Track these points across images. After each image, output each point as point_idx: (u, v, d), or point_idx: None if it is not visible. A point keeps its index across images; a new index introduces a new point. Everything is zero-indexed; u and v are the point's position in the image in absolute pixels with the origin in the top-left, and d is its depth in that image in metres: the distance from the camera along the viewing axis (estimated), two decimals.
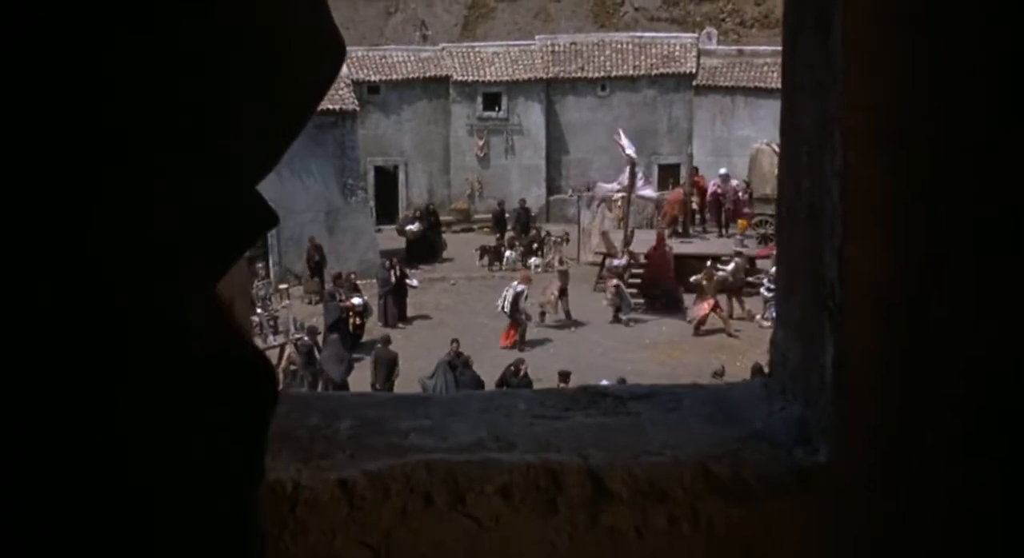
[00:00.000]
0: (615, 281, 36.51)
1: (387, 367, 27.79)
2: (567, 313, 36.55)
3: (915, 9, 2.57)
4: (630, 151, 40.81)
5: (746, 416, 3.07)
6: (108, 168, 1.53)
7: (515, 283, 35.73)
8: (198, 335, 1.72)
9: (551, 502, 2.79)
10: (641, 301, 36.72)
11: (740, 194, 44.58)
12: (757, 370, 26.22)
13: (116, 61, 1.50)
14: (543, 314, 36.14)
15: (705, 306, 35.16)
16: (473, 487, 2.77)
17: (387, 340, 29.53)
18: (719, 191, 44.87)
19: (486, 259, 44.09)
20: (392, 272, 37.11)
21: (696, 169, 46.63)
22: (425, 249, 45.19)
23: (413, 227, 44.94)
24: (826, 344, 2.74)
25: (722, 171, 44.81)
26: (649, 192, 42.07)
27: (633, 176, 40.71)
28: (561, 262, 40.87)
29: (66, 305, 1.52)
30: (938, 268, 2.68)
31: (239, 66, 1.64)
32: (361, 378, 28.50)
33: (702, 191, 45.69)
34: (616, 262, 38.10)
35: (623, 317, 35.75)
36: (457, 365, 27.28)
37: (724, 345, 34.12)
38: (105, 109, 1.51)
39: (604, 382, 25.00)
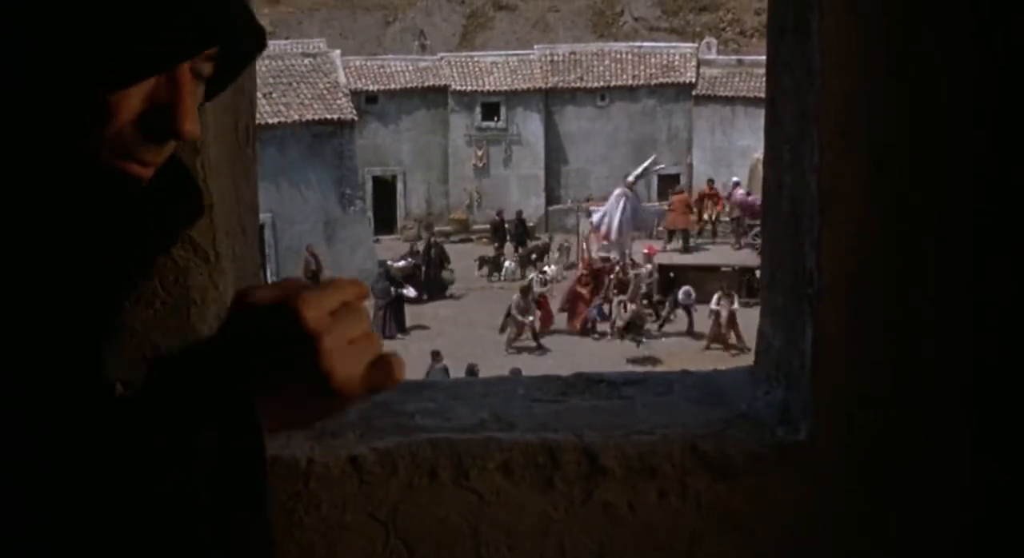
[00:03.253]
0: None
1: None
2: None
3: (890, 10, 2.75)
4: (631, 177, 40.81)
5: (732, 399, 3.26)
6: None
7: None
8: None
9: (548, 478, 2.99)
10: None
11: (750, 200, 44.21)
12: None
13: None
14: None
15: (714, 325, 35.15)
16: (475, 463, 2.97)
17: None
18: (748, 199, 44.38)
19: (485, 269, 44.07)
20: (390, 283, 37.17)
21: (711, 181, 46.28)
22: (424, 285, 41.49)
23: (400, 264, 41.14)
24: (805, 330, 2.93)
25: (735, 179, 44.67)
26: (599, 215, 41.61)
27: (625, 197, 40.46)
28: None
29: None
30: (912, 257, 2.87)
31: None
32: None
33: (711, 199, 44.74)
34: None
35: (639, 339, 34.99)
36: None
37: (723, 356, 34.14)
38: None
39: None
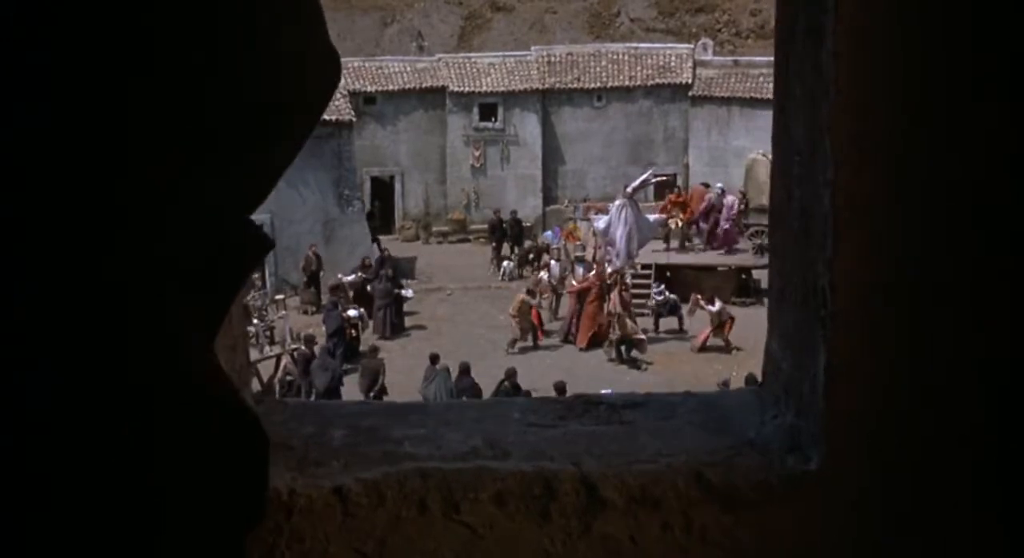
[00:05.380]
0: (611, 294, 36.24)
1: (370, 377, 27.82)
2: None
3: (908, 17, 2.59)
4: (630, 188, 40.72)
5: (739, 425, 3.08)
6: (123, 191, 1.54)
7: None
8: (201, 378, 1.72)
9: (545, 509, 2.80)
10: (642, 336, 35.71)
11: (734, 212, 43.88)
12: (751, 380, 26.20)
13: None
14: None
15: (705, 331, 35.05)
16: (467, 494, 2.78)
17: (375, 350, 29.57)
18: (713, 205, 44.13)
19: (493, 267, 44.29)
20: (390, 283, 37.10)
21: (678, 189, 45.83)
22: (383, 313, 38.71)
23: (350, 278, 39.24)
24: (817, 353, 2.74)
25: (718, 186, 44.57)
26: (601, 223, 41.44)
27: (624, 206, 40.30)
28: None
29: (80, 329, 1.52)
30: (929, 276, 2.69)
31: (241, 86, 1.64)
32: (353, 387, 28.50)
33: (678, 206, 44.12)
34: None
35: (636, 358, 34.69)
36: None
37: (719, 356, 34.10)
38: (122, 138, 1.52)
39: (605, 392, 24.96)
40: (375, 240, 47.18)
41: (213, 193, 1.67)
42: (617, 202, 40.10)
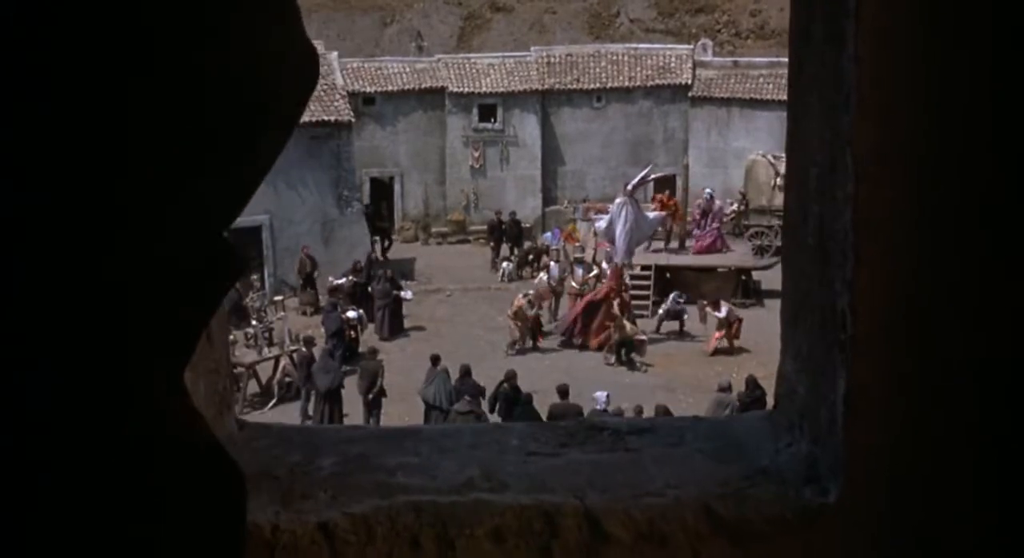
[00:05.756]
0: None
1: (369, 378, 27.66)
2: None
3: (929, 19, 2.41)
4: (630, 185, 40.57)
5: (751, 452, 2.89)
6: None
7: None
8: (174, 417, 1.65)
9: (546, 547, 2.62)
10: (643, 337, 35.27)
11: (724, 217, 43.52)
12: (751, 382, 26.03)
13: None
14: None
15: (715, 336, 34.80)
16: (463, 530, 2.59)
17: (373, 352, 29.42)
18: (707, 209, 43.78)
19: (494, 268, 44.21)
20: (389, 284, 36.95)
21: (668, 192, 45.43)
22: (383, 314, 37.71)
23: (341, 281, 38.51)
24: (837, 378, 2.56)
25: (707, 191, 44.32)
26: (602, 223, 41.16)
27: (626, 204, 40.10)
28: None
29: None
30: (957, 300, 2.51)
31: (237, 86, 1.58)
32: (354, 389, 28.35)
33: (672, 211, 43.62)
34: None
35: (635, 360, 34.34)
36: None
37: (720, 358, 33.91)
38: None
39: (599, 394, 24.75)
40: (386, 240, 47.09)
41: (210, 195, 1.62)
42: (618, 200, 39.95)
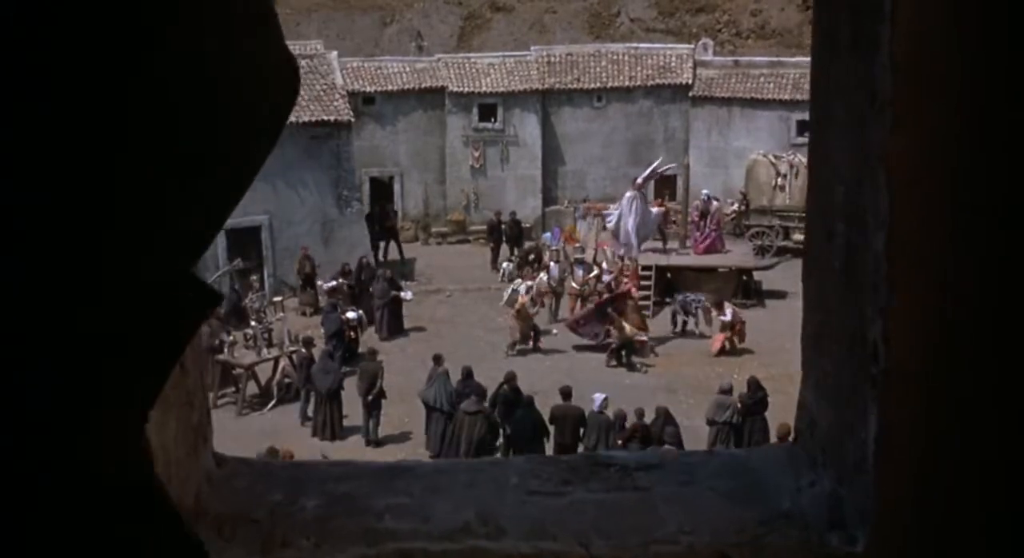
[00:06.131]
0: (607, 296, 35.53)
1: (369, 380, 27.48)
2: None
3: (976, 23, 2.18)
4: (640, 179, 40.38)
5: (770, 492, 2.63)
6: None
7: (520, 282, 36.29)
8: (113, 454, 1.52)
9: None
10: (644, 337, 34.84)
11: (720, 221, 43.22)
12: (752, 383, 25.82)
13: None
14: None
15: (719, 337, 34.50)
16: None
17: (373, 353, 29.24)
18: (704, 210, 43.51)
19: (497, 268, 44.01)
20: (389, 284, 36.77)
21: (662, 199, 45.06)
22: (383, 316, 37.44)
23: (331, 284, 37.83)
24: (868, 415, 2.32)
25: (704, 192, 44.06)
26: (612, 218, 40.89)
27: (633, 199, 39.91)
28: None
29: None
30: (1000, 331, 2.26)
31: (230, 98, 1.54)
32: (354, 390, 28.17)
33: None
34: (606, 277, 37.35)
35: (636, 361, 33.98)
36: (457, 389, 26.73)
37: (721, 359, 33.70)
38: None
39: (596, 395, 24.50)
40: (393, 241, 46.79)
41: (190, 208, 1.55)
42: (628, 194, 39.77)
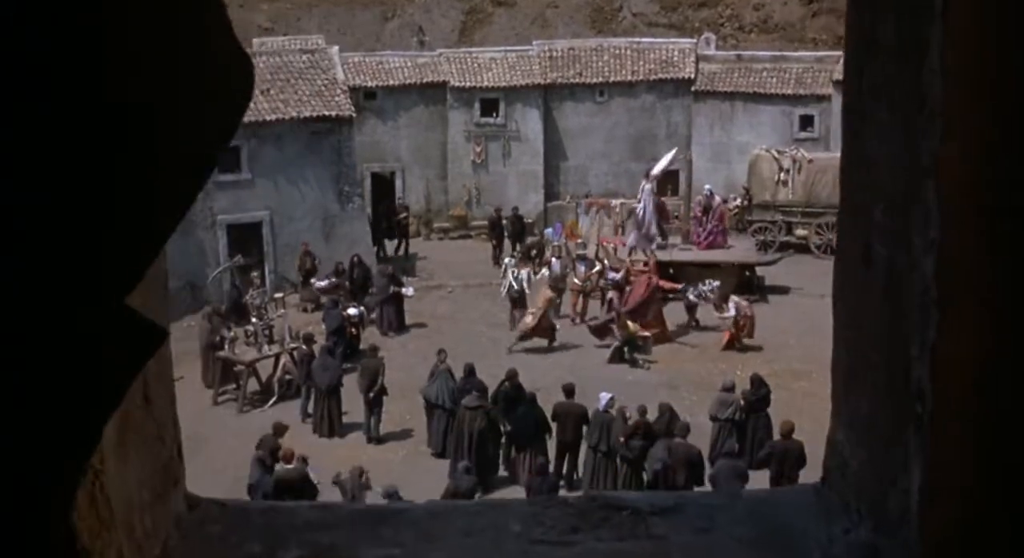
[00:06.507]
0: (611, 295, 35.08)
1: (370, 377, 27.25)
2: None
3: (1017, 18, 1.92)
4: (658, 169, 40.16)
5: (798, 540, 2.34)
6: None
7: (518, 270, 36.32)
8: None
9: None
10: (647, 333, 34.47)
11: (722, 216, 42.97)
12: (755, 380, 25.55)
13: None
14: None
15: (727, 333, 34.14)
16: None
17: (374, 349, 29.00)
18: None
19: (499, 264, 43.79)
20: (389, 280, 36.53)
21: (667, 192, 44.80)
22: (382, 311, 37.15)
23: (323, 283, 37.83)
24: (911, 462, 2.04)
25: (707, 187, 43.82)
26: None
27: (641, 191, 39.72)
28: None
29: None
30: None
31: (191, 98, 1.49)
32: (355, 387, 27.93)
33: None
34: (612, 275, 36.92)
35: (638, 358, 33.59)
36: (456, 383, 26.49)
37: (724, 355, 33.42)
38: None
39: (603, 395, 24.21)
40: (402, 238, 46.60)
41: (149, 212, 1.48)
42: (647, 186, 39.55)
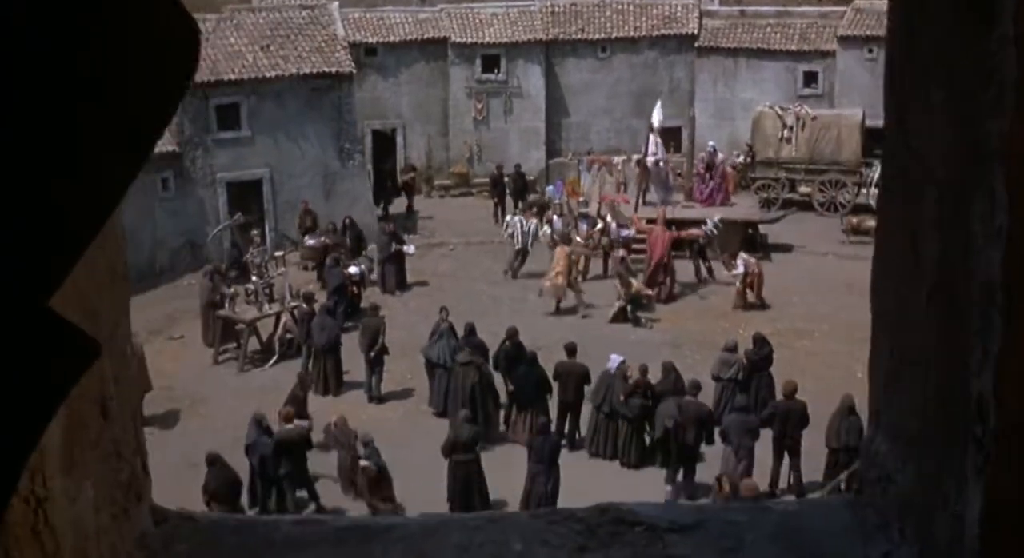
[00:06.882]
0: (622, 253, 34.66)
1: (371, 335, 27.09)
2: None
3: None
4: (656, 120, 39.85)
5: None
6: None
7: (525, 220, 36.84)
8: None
9: None
10: (650, 292, 34.21)
11: (724, 173, 42.83)
12: (758, 339, 25.32)
13: None
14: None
15: (738, 289, 33.85)
16: None
17: (375, 308, 28.84)
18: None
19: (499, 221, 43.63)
20: (391, 238, 36.31)
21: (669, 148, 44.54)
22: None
23: (311, 242, 37.77)
24: (968, 486, 1.78)
25: (710, 144, 43.55)
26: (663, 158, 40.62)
27: (653, 144, 39.49)
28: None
29: None
30: None
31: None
32: (355, 346, 27.75)
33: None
34: (625, 232, 36.51)
35: (640, 316, 33.26)
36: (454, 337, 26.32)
37: (725, 312, 33.21)
38: None
39: (613, 357, 23.93)
40: (410, 197, 46.42)
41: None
42: (656, 140, 39.43)
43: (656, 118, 39.77)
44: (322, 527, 2.30)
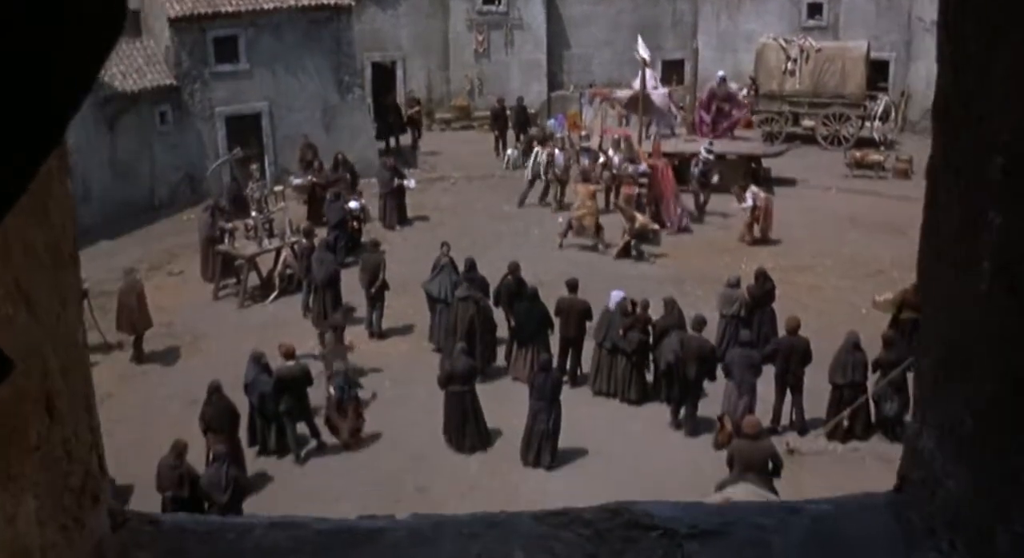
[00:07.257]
0: (635, 190, 34.19)
1: (371, 272, 26.86)
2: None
3: None
4: (644, 54, 39.32)
5: None
6: None
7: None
8: None
9: None
10: (655, 226, 33.78)
11: (740, 97, 42.70)
12: (760, 275, 25.04)
13: None
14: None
15: (745, 222, 33.53)
16: None
17: (376, 244, 28.58)
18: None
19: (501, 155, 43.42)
20: (392, 172, 36.00)
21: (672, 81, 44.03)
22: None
23: (298, 181, 36.64)
24: None
25: (720, 73, 43.29)
26: (661, 92, 40.29)
27: (644, 78, 39.05)
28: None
29: None
30: None
31: None
32: (356, 281, 27.55)
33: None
34: (634, 167, 35.97)
35: (644, 251, 32.77)
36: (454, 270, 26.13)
37: (729, 247, 32.95)
38: None
39: (614, 293, 23.69)
40: (417, 131, 46.12)
41: None
42: (653, 73, 39.19)
43: (642, 53, 39.21)
44: (303, 532, 2.03)
